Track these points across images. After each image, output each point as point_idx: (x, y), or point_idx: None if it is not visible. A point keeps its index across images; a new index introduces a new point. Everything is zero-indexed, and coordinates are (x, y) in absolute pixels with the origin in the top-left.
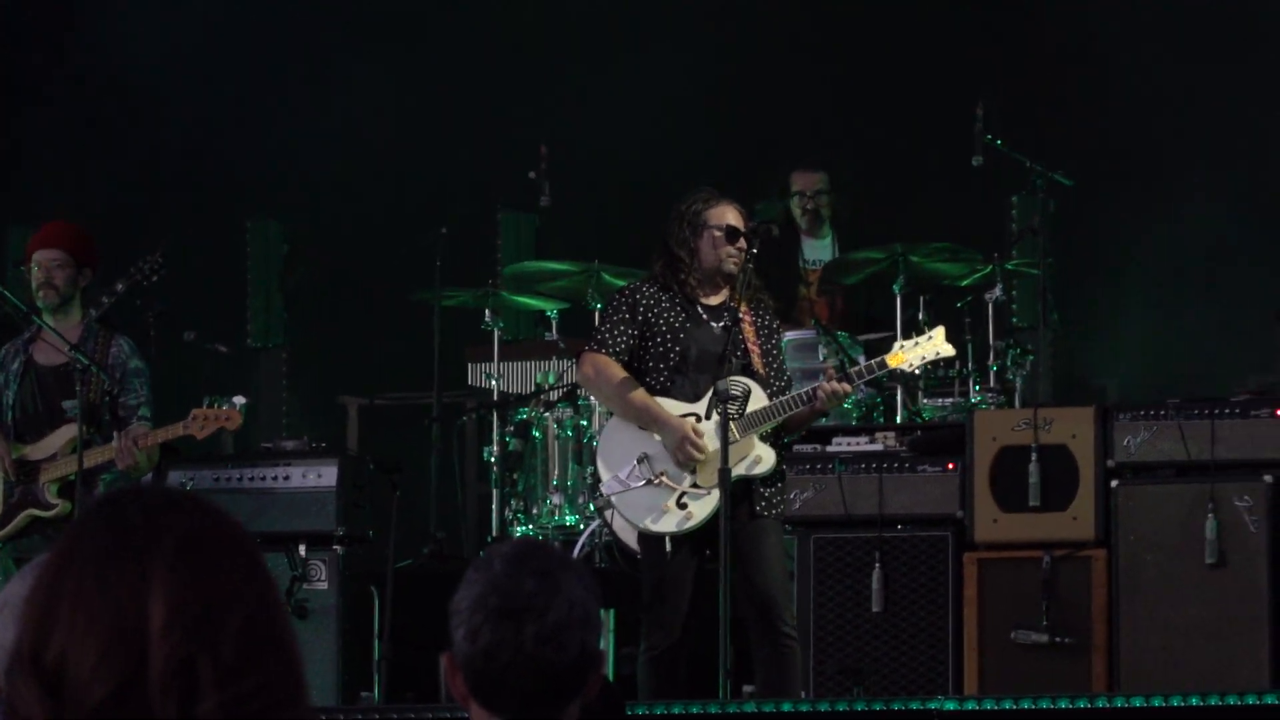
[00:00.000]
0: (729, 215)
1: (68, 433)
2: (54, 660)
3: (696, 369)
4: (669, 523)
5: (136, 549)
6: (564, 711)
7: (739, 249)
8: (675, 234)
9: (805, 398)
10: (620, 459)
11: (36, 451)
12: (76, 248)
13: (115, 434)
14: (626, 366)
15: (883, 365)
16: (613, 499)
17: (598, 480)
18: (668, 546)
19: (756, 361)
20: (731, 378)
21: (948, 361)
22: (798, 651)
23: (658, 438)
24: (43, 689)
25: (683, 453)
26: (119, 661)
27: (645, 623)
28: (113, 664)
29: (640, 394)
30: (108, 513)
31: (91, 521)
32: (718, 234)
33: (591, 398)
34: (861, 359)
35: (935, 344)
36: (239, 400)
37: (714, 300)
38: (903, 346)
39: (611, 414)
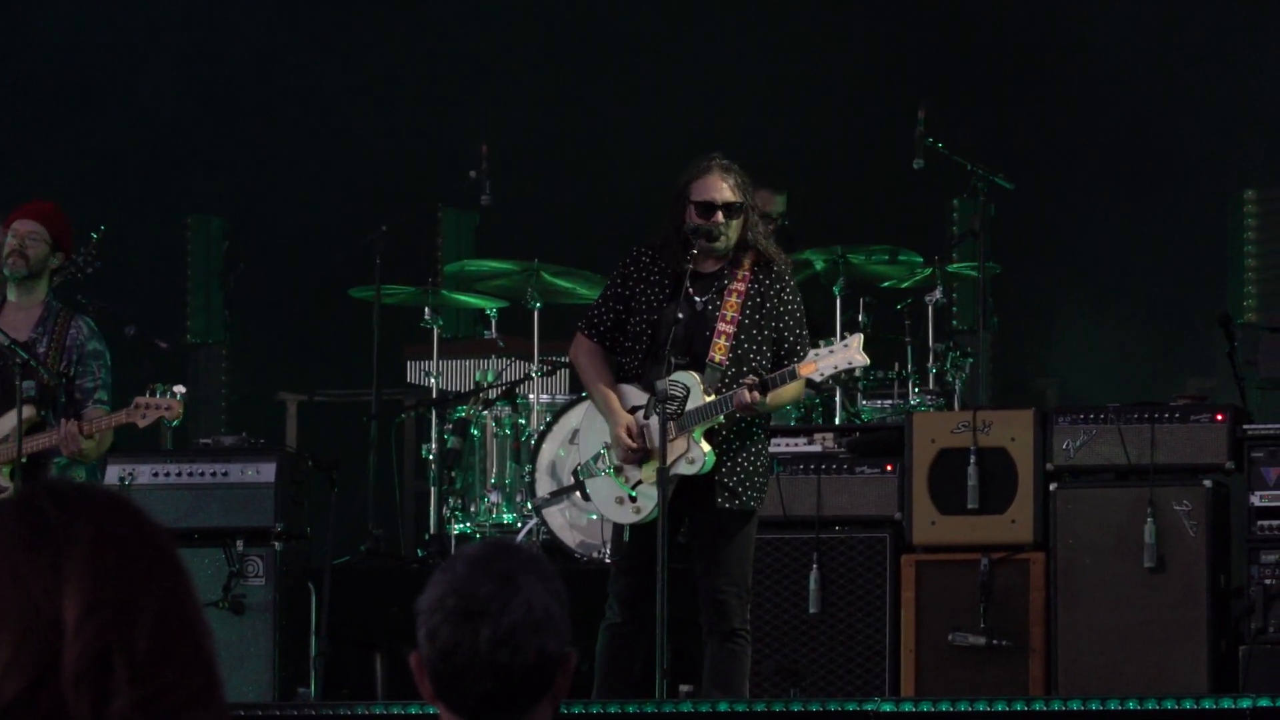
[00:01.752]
0: (711, 189)
1: (13, 417)
2: None
3: (668, 351)
4: (623, 515)
5: (50, 543)
6: (526, 714)
7: (714, 224)
8: (672, 203)
9: (726, 403)
10: (593, 444)
11: None
12: (56, 228)
13: (62, 420)
14: (612, 343)
15: (793, 375)
16: (585, 483)
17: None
18: (625, 536)
19: (719, 349)
20: (674, 375)
21: (869, 368)
22: (748, 650)
23: None
24: None
25: (616, 449)
26: (32, 657)
27: (609, 596)
28: (26, 659)
29: (602, 383)
30: (21, 507)
31: (4, 516)
32: (694, 208)
33: (530, 396)
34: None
35: (849, 353)
36: (179, 390)
37: (710, 268)
38: (816, 355)
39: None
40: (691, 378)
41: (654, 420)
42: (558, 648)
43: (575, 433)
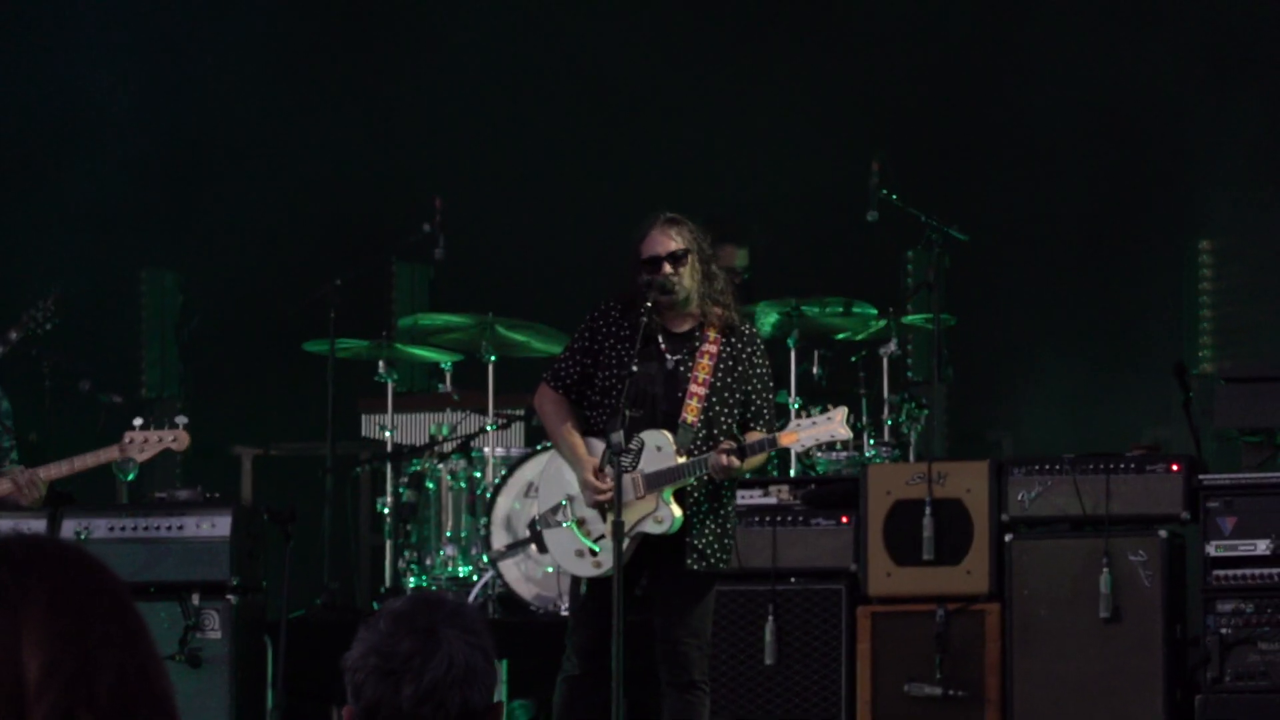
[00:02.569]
0: (654, 245)
1: None
2: None
3: (636, 409)
4: (583, 568)
5: (6, 605)
6: None
7: (662, 276)
8: (630, 265)
9: (699, 465)
10: (553, 495)
11: None
12: None
13: (18, 469)
14: (578, 396)
15: (774, 444)
16: (543, 533)
17: (509, 550)
18: (582, 589)
19: (691, 410)
20: (646, 434)
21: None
22: (707, 703)
23: None
24: None
25: (585, 496)
26: None
27: (567, 647)
28: None
29: (568, 432)
30: None
31: None
32: (640, 268)
33: (485, 449)
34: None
35: (832, 426)
36: (181, 420)
37: (682, 328)
38: (799, 425)
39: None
40: (664, 438)
41: (626, 475)
42: (483, 700)
43: (530, 485)
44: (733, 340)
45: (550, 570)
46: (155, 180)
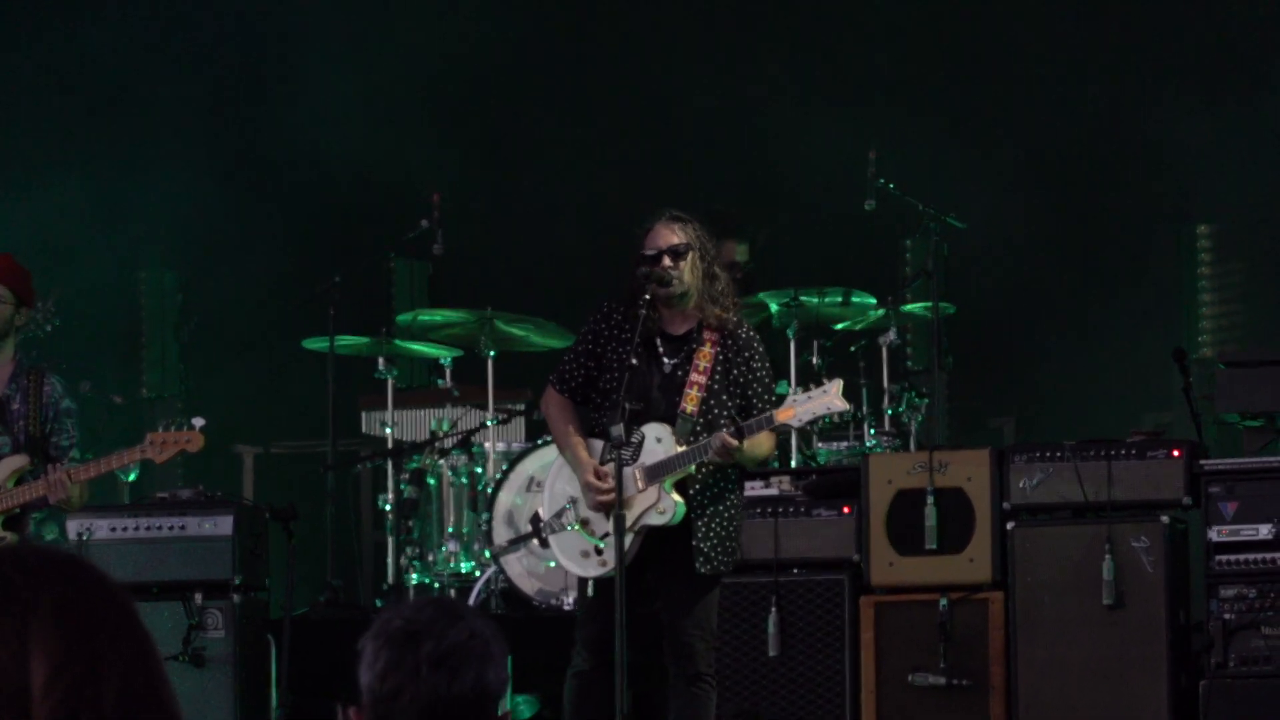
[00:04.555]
0: (655, 239)
1: (10, 465)
2: None
3: (636, 402)
4: (588, 569)
5: (16, 610)
6: None
7: (661, 269)
8: (632, 268)
9: (703, 450)
10: (558, 498)
11: None
12: (20, 285)
13: (49, 467)
14: (583, 398)
15: (770, 421)
16: (550, 540)
17: (511, 546)
18: (590, 590)
19: (691, 400)
20: (646, 427)
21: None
22: (713, 695)
23: None
24: None
25: (586, 498)
26: None
27: (576, 643)
28: None
29: (571, 435)
30: None
31: None
32: (641, 262)
33: (486, 444)
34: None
35: (828, 399)
36: (198, 422)
37: (680, 330)
38: (794, 400)
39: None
40: (664, 429)
41: (627, 469)
42: (496, 685)
43: (531, 480)
44: (729, 343)
45: (552, 565)
46: (157, 178)
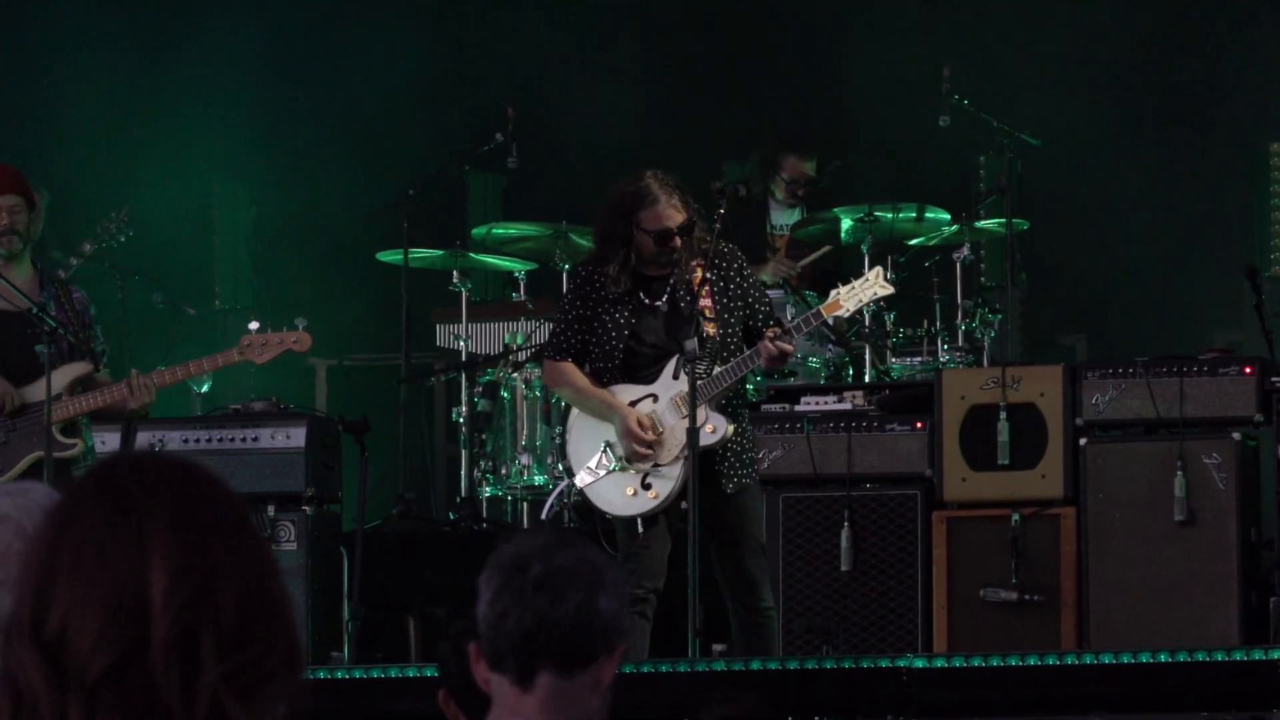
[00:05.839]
0: (662, 218)
1: (69, 373)
2: (54, 631)
3: (644, 361)
4: (637, 505)
5: (133, 518)
6: (565, 673)
7: (671, 248)
8: (612, 226)
9: (750, 360)
10: (588, 451)
11: (32, 393)
12: (27, 189)
13: (133, 372)
14: (582, 361)
15: (818, 315)
16: (586, 491)
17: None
18: (639, 528)
19: (710, 328)
20: (674, 358)
21: (900, 327)
22: (776, 624)
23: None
24: (44, 659)
25: (625, 443)
26: (120, 633)
27: (625, 573)
28: (114, 635)
29: (592, 388)
30: (102, 480)
31: (85, 490)
32: (650, 238)
33: None
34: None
35: (872, 285)
36: (301, 322)
37: (658, 270)
38: (839, 293)
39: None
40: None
41: (660, 406)
42: (607, 611)
43: None
44: (717, 262)
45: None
46: (229, 91)
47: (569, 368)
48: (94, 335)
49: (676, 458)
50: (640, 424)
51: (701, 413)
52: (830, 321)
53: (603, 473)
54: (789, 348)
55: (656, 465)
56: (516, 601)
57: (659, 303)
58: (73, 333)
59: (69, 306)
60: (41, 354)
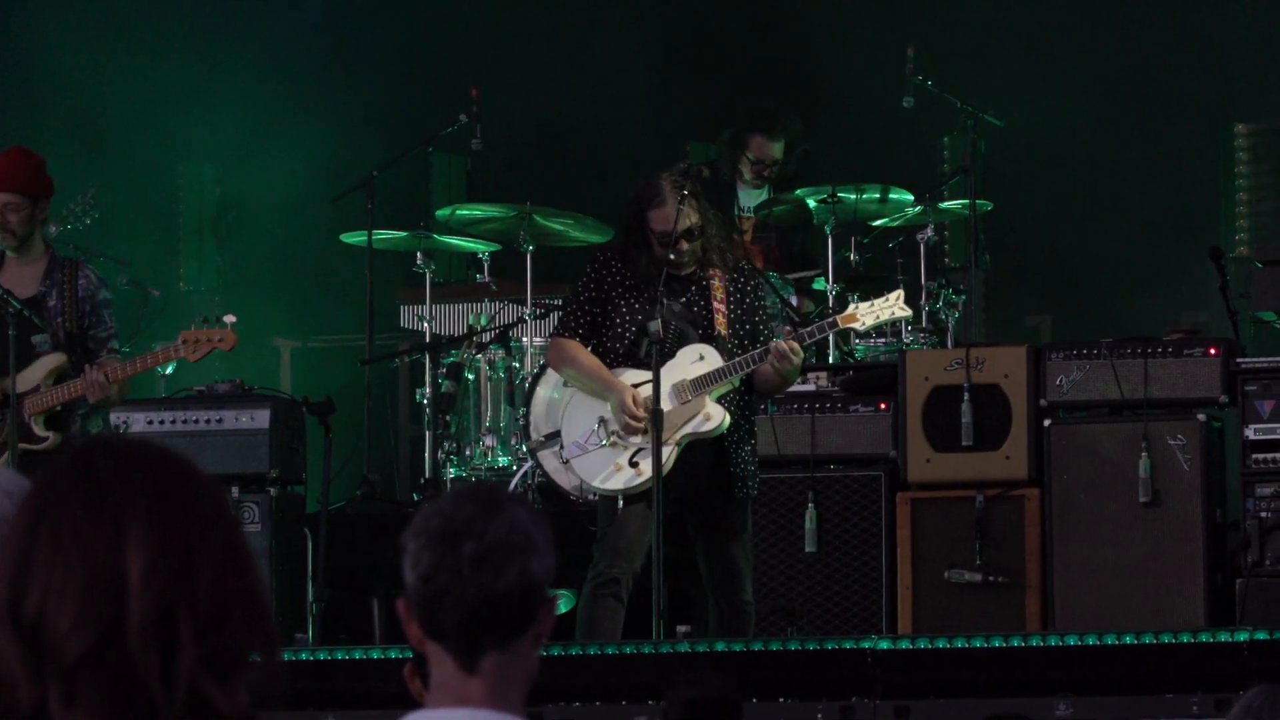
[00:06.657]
0: (669, 219)
1: (48, 364)
2: (32, 614)
3: (652, 350)
4: (619, 480)
5: (110, 501)
6: (508, 644)
7: (679, 251)
8: (628, 219)
9: (758, 356)
10: (581, 425)
11: (20, 383)
12: (29, 184)
13: (86, 368)
14: (589, 342)
15: (834, 324)
16: (572, 463)
17: (548, 440)
18: (619, 503)
19: (720, 324)
20: (692, 346)
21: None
22: (754, 616)
23: None
24: (21, 642)
25: (620, 419)
26: (98, 615)
27: (595, 556)
28: (91, 618)
29: (594, 364)
30: (78, 465)
31: (62, 474)
32: (654, 237)
33: (524, 339)
34: (793, 299)
35: (891, 306)
36: (229, 319)
37: (684, 270)
38: (856, 308)
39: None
40: (706, 348)
41: (669, 382)
42: (541, 573)
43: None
44: (736, 277)
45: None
46: (194, 72)
47: (575, 345)
48: (99, 320)
49: (672, 439)
50: (635, 400)
51: (700, 401)
52: (839, 326)
53: (593, 447)
54: (797, 346)
55: (644, 449)
56: (455, 579)
57: (682, 300)
58: (69, 321)
59: (70, 293)
60: (40, 344)
